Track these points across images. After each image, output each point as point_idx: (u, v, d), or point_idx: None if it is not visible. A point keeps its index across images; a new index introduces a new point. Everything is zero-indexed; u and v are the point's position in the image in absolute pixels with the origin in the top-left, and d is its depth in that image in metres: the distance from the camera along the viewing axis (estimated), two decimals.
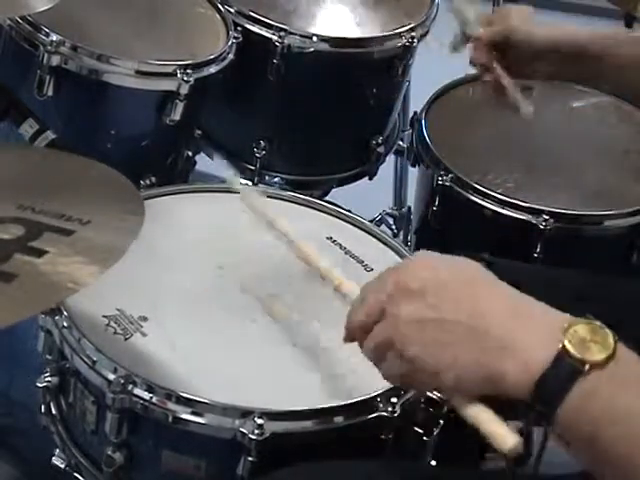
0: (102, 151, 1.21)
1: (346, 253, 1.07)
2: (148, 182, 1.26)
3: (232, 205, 1.18)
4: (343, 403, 0.85)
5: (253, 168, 1.46)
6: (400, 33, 1.43)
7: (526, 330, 0.70)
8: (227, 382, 0.88)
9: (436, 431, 1.00)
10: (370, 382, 0.87)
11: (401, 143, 1.60)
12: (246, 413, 0.83)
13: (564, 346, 0.68)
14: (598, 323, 0.69)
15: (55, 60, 1.18)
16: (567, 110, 1.52)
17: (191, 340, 0.92)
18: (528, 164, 1.41)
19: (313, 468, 0.85)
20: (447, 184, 1.35)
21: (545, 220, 1.28)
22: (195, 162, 1.39)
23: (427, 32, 1.47)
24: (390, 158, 1.66)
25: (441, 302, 0.73)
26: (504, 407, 0.72)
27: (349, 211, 1.14)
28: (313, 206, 1.13)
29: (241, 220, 1.16)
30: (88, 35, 1.22)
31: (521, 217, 1.30)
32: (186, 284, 0.98)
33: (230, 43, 1.30)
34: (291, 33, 1.35)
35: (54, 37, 1.17)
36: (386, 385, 0.90)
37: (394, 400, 0.93)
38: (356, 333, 0.78)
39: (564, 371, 0.67)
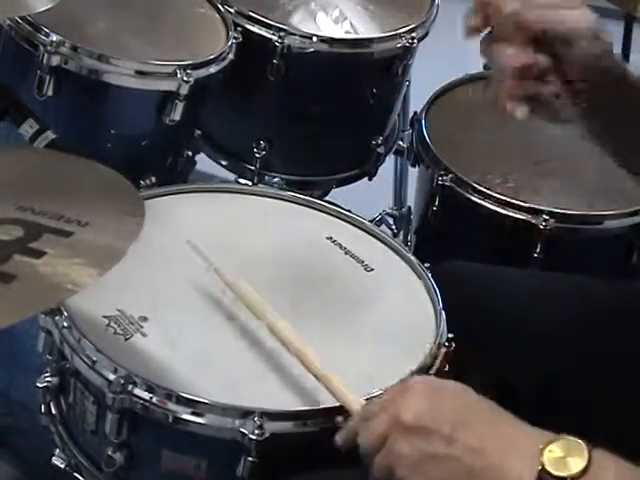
0: (102, 151, 1.22)
1: (346, 253, 1.07)
2: (148, 182, 1.26)
3: (232, 205, 1.18)
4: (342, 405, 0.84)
5: (253, 168, 1.46)
6: (400, 34, 1.43)
7: (512, 457, 0.76)
8: (227, 382, 0.88)
9: None
10: (372, 382, 0.88)
11: (401, 143, 1.60)
12: (246, 413, 0.83)
13: (543, 467, 0.74)
14: (571, 438, 0.74)
15: (55, 60, 1.18)
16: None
17: (191, 340, 0.92)
18: (528, 164, 1.40)
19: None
20: (447, 184, 1.35)
21: (545, 220, 1.29)
22: (195, 162, 1.39)
23: (427, 33, 1.47)
24: (390, 158, 1.66)
25: (439, 439, 0.77)
26: None
27: (349, 211, 1.13)
28: (313, 206, 1.13)
29: (241, 220, 1.16)
30: (88, 35, 1.23)
31: (521, 217, 1.30)
32: (186, 284, 0.98)
33: (230, 43, 1.30)
34: (291, 33, 1.35)
35: (54, 37, 1.17)
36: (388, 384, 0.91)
37: None
38: (363, 455, 0.81)
39: None
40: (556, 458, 0.74)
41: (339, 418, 0.85)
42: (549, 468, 0.73)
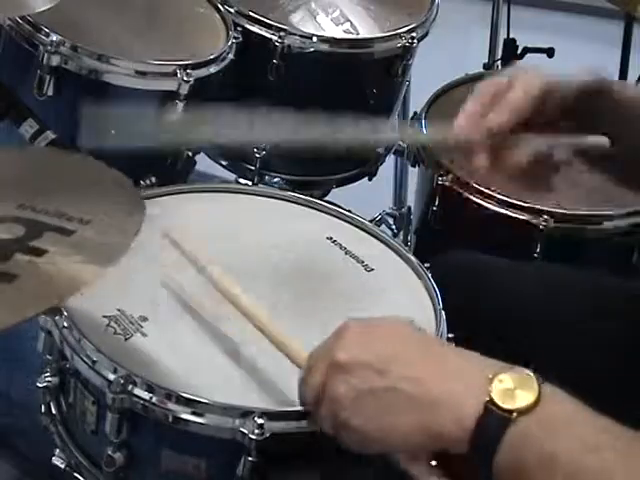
0: (102, 151, 1.15)
1: (346, 253, 1.07)
2: (148, 182, 1.25)
3: (232, 205, 1.18)
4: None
5: (253, 168, 1.46)
6: (400, 34, 1.43)
7: (456, 386, 0.74)
8: (227, 382, 0.88)
9: None
10: None
11: (401, 143, 1.57)
12: (246, 413, 0.83)
13: (490, 397, 0.71)
14: (523, 370, 0.72)
15: (55, 60, 1.18)
16: None
17: (191, 340, 0.92)
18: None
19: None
20: (447, 184, 1.34)
21: (545, 220, 1.29)
22: (195, 162, 1.38)
23: (427, 33, 1.47)
24: (390, 158, 1.66)
25: (373, 373, 0.76)
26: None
27: (349, 211, 1.13)
28: (313, 206, 1.13)
29: (241, 220, 1.16)
30: (88, 35, 1.23)
31: (521, 217, 1.30)
32: (186, 284, 0.97)
33: (230, 43, 1.31)
34: (291, 33, 1.36)
35: (54, 37, 1.17)
36: None
37: None
38: (312, 410, 0.81)
39: (494, 422, 0.71)
40: (505, 389, 0.71)
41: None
42: (496, 399, 0.71)
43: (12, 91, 1.14)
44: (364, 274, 1.05)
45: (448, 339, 0.94)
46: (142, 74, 1.21)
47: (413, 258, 1.07)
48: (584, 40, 2.82)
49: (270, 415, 0.84)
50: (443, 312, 0.98)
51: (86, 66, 1.19)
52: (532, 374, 0.72)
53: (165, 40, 1.29)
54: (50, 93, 1.18)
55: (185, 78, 1.22)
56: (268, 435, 0.83)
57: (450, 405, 0.73)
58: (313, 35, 1.38)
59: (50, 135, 1.10)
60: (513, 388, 0.71)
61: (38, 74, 1.17)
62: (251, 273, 1.03)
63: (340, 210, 1.15)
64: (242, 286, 1.02)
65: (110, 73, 1.20)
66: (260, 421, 0.83)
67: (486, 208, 1.31)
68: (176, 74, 1.22)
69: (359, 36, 1.44)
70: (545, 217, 1.27)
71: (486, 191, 1.31)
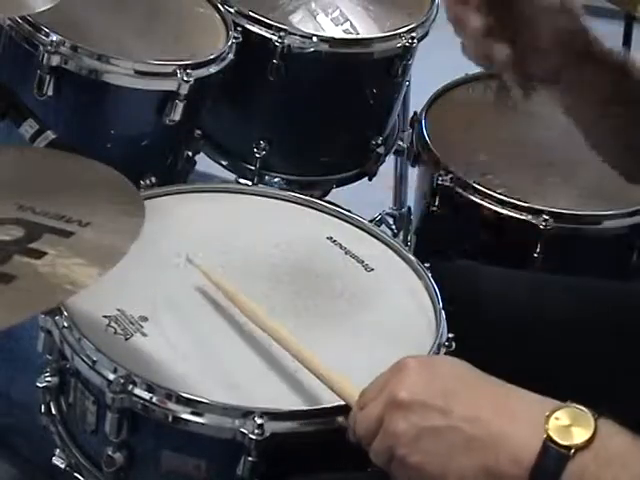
0: (102, 151, 1.21)
1: (346, 253, 1.07)
2: (148, 182, 1.25)
3: (232, 205, 1.18)
4: (345, 403, 0.84)
5: (253, 168, 1.46)
6: (400, 34, 1.43)
7: (514, 425, 0.75)
8: (227, 382, 0.88)
9: None
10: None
11: (401, 143, 1.59)
12: (246, 413, 0.83)
13: (548, 435, 0.72)
14: (578, 406, 0.73)
15: (55, 60, 1.18)
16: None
17: (191, 340, 0.92)
18: (528, 164, 1.39)
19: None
20: (447, 184, 1.34)
21: (545, 220, 1.29)
22: (195, 162, 1.38)
23: (427, 33, 1.47)
24: (390, 158, 1.66)
25: (434, 412, 0.77)
26: None
27: (349, 211, 1.13)
28: (313, 206, 1.13)
29: (241, 220, 1.16)
30: (88, 35, 1.22)
31: (521, 217, 1.30)
32: (186, 284, 0.97)
33: (230, 43, 1.30)
34: (291, 33, 1.35)
35: (54, 37, 1.17)
36: None
37: None
38: (362, 442, 0.81)
39: (552, 459, 0.72)
40: (562, 426, 0.73)
41: (340, 418, 0.85)
42: (554, 436, 0.72)
43: (12, 91, 1.13)
44: (364, 274, 1.05)
45: (448, 339, 0.94)
46: (142, 74, 1.21)
47: (413, 258, 1.07)
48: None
49: (270, 415, 0.83)
50: (443, 312, 0.98)
51: (86, 66, 1.19)
52: (587, 410, 0.73)
53: (165, 40, 1.28)
54: (50, 93, 1.18)
55: (185, 78, 1.21)
56: (268, 435, 0.83)
57: (509, 444, 0.74)
58: (313, 35, 1.37)
59: (50, 135, 1.09)
60: (569, 425, 0.73)
61: (38, 74, 1.17)
62: (251, 273, 1.03)
63: (340, 210, 1.15)
64: (241, 286, 1.00)
65: (110, 73, 1.19)
66: (260, 421, 0.83)
67: (486, 208, 1.30)
68: (176, 74, 1.21)
69: (359, 36, 1.44)
70: (545, 217, 1.27)
71: (486, 191, 1.30)
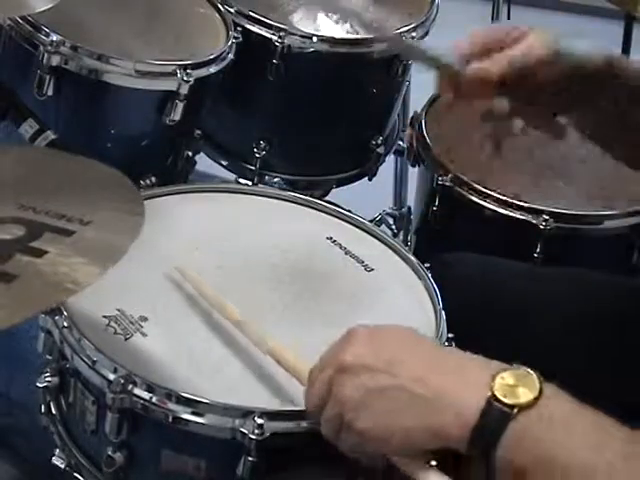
0: (102, 151, 1.22)
1: (346, 253, 1.07)
2: (148, 182, 1.25)
3: (232, 205, 1.18)
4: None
5: (253, 168, 1.46)
6: (400, 33, 1.41)
7: (458, 383, 0.76)
8: (227, 382, 0.88)
9: None
10: None
11: (401, 143, 1.59)
12: (246, 413, 0.83)
13: (493, 393, 0.73)
14: (524, 368, 0.74)
15: (55, 60, 1.18)
16: None
17: (191, 340, 0.92)
18: (528, 164, 1.40)
19: None
20: (447, 184, 1.34)
21: (545, 220, 1.28)
22: (195, 162, 1.38)
23: (427, 32, 1.46)
24: (390, 158, 1.66)
25: (379, 374, 0.78)
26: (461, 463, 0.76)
27: (349, 211, 1.13)
28: (313, 206, 1.13)
29: (241, 220, 1.16)
30: (88, 35, 1.22)
31: (521, 217, 1.29)
32: (186, 284, 0.97)
33: (230, 43, 1.30)
34: (291, 33, 1.35)
35: (54, 37, 1.17)
36: None
37: None
38: (315, 415, 0.82)
39: (495, 417, 0.72)
40: (507, 385, 0.73)
41: None
42: (499, 395, 0.72)
43: (12, 91, 1.14)
44: (364, 274, 1.06)
45: (448, 339, 0.94)
46: (142, 74, 1.21)
47: (413, 258, 1.07)
48: (584, 40, 2.82)
49: (270, 415, 0.84)
50: (443, 312, 0.98)
51: (86, 66, 1.19)
52: (533, 373, 0.73)
53: (165, 40, 1.28)
54: (50, 93, 1.18)
55: (185, 78, 1.22)
56: (268, 435, 0.83)
57: (452, 400, 0.75)
58: (313, 35, 1.37)
59: (50, 135, 1.10)
60: (515, 385, 0.73)
61: (38, 74, 1.17)
62: (251, 273, 1.03)
63: (340, 210, 1.15)
64: (241, 287, 1.01)
65: (110, 73, 1.19)
66: (260, 421, 0.83)
67: (486, 208, 1.30)
68: (176, 74, 1.21)
69: (359, 36, 1.43)
70: (545, 217, 1.27)
71: (486, 191, 1.30)
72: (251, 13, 1.38)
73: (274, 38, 1.36)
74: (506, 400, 0.72)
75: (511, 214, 1.30)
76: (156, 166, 1.31)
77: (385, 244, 1.09)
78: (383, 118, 1.54)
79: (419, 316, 0.99)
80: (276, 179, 1.47)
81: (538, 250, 1.29)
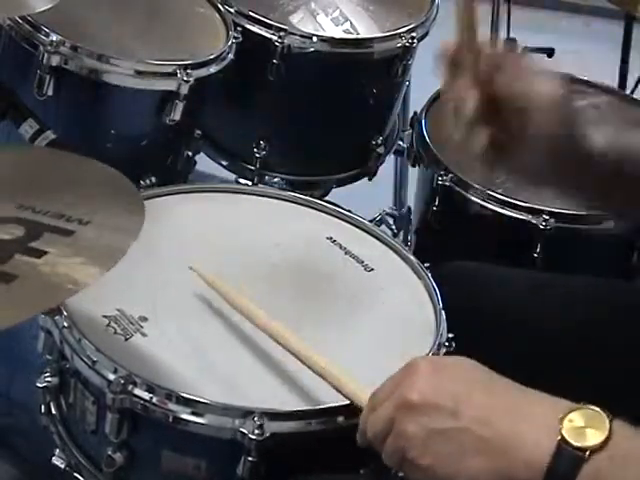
0: (102, 151, 1.22)
1: (346, 253, 1.08)
2: (148, 182, 1.25)
3: (232, 205, 1.18)
4: (345, 403, 0.85)
5: (253, 168, 1.46)
6: (400, 33, 1.43)
7: (526, 426, 0.73)
8: (227, 382, 0.88)
9: None
10: (372, 382, 0.86)
11: (401, 143, 1.60)
12: (246, 413, 0.83)
13: (562, 437, 0.71)
14: (592, 407, 0.72)
15: (55, 60, 1.19)
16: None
17: (191, 340, 0.92)
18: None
19: None
20: (447, 184, 1.34)
21: (545, 220, 1.29)
22: (195, 162, 1.39)
23: (427, 33, 1.47)
24: (390, 158, 1.66)
25: (444, 414, 0.76)
26: None
27: (349, 211, 1.13)
28: (313, 206, 1.14)
29: (240, 220, 1.17)
30: (88, 35, 1.23)
31: (521, 217, 1.30)
32: (186, 284, 0.97)
33: (230, 43, 1.30)
34: (291, 33, 1.35)
35: (54, 37, 1.18)
36: None
37: None
38: (371, 443, 0.81)
39: (567, 461, 0.71)
40: (576, 428, 0.72)
41: (340, 418, 0.85)
42: (569, 438, 0.71)
43: (12, 91, 1.13)
44: (364, 274, 1.06)
45: (448, 339, 0.94)
46: (142, 74, 1.21)
47: (413, 258, 1.07)
48: (584, 40, 2.83)
49: (270, 415, 0.84)
50: (443, 312, 0.98)
51: (86, 66, 1.19)
52: (601, 411, 0.71)
53: (165, 40, 1.29)
54: (50, 93, 1.18)
55: (185, 78, 1.22)
56: (268, 435, 0.83)
57: (521, 446, 0.73)
58: (313, 35, 1.38)
59: (50, 135, 1.09)
60: (584, 426, 0.71)
61: (38, 74, 1.17)
62: (250, 273, 1.03)
63: (340, 210, 1.15)
64: (241, 287, 1.00)
65: (110, 73, 1.20)
66: (260, 421, 0.83)
67: (486, 208, 1.30)
68: (176, 74, 1.22)
69: (359, 36, 1.44)
70: (545, 217, 1.27)
71: (486, 191, 1.30)
72: (251, 13, 1.38)
73: (274, 38, 1.36)
74: (576, 443, 0.70)
75: (511, 214, 1.30)
76: (156, 166, 1.31)
77: (385, 244, 1.09)
78: (383, 118, 1.54)
79: (419, 316, 0.99)
80: (276, 179, 1.48)
81: (538, 250, 1.29)
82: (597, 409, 0.72)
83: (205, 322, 0.95)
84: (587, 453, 0.70)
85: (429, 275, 1.03)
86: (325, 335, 0.96)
